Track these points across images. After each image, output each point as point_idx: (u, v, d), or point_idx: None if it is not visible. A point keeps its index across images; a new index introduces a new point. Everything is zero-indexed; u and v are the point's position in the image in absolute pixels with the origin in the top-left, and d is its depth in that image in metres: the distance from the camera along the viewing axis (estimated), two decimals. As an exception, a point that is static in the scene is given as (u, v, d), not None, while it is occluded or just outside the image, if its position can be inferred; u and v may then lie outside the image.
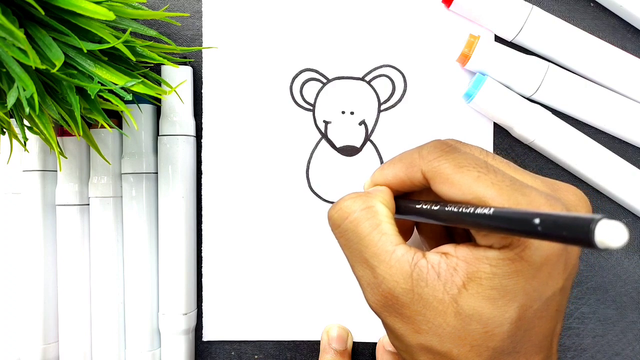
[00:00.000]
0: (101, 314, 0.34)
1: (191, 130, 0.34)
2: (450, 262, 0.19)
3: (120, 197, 0.34)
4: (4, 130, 0.28)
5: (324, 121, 0.35)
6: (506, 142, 0.35)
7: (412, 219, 0.22)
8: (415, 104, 0.35)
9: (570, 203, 0.20)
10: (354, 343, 0.35)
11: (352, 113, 0.35)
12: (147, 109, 0.34)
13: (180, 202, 0.33)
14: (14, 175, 0.34)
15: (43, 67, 0.22)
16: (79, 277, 0.34)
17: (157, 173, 0.34)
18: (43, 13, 0.22)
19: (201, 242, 0.35)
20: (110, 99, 0.26)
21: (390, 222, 0.21)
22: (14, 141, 0.28)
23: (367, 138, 0.35)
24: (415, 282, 0.19)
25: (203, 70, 0.35)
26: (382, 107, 0.35)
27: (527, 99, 0.34)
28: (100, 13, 0.22)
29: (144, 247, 0.34)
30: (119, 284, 0.34)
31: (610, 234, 0.13)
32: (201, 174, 0.35)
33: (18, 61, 0.22)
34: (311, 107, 0.35)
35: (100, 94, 0.25)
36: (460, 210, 0.19)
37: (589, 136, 0.34)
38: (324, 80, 0.35)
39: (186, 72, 0.34)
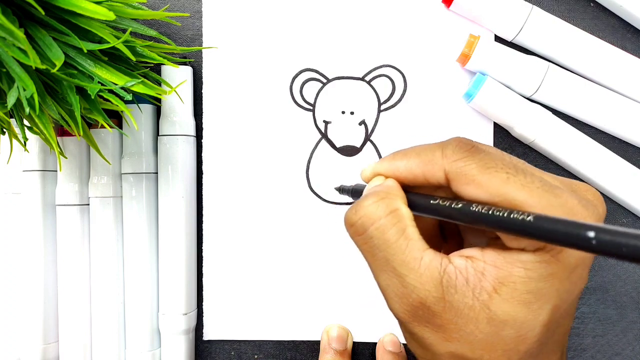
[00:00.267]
0: (101, 314, 0.34)
1: (191, 130, 0.34)
2: (478, 266, 0.19)
3: (120, 197, 0.34)
4: (4, 130, 0.28)
5: (324, 121, 0.35)
6: (506, 142, 0.35)
7: (423, 215, 0.21)
8: (415, 104, 0.35)
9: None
10: (354, 343, 0.35)
11: (352, 113, 0.35)
12: (147, 109, 0.34)
13: (180, 202, 0.33)
14: (14, 175, 0.34)
15: (43, 67, 0.22)
16: (79, 277, 0.34)
17: (157, 173, 0.34)
18: (43, 13, 0.22)
19: (201, 242, 0.35)
20: (110, 99, 0.26)
21: (414, 224, 0.20)
22: (14, 141, 0.28)
23: (367, 138, 0.35)
24: (446, 289, 0.19)
25: (203, 70, 0.35)
26: (382, 107, 0.35)
27: (527, 99, 0.34)
28: (100, 13, 0.22)
29: (144, 247, 0.34)
30: (119, 284, 0.34)
31: None
32: (201, 174, 0.35)
33: (18, 61, 0.22)
34: (311, 107, 0.35)
35: (100, 94, 0.25)
36: (491, 212, 0.18)
37: (589, 136, 0.34)
38: (324, 80, 0.35)
39: (186, 72, 0.34)
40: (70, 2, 0.22)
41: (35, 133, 0.27)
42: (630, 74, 0.33)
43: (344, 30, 0.35)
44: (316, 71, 0.35)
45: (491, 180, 0.18)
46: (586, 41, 0.33)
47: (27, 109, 0.23)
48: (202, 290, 0.35)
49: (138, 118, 0.34)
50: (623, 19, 0.35)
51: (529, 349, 0.19)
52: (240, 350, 0.36)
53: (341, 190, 0.29)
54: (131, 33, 0.26)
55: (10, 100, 0.23)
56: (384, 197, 0.21)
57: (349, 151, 0.35)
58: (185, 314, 0.34)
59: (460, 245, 0.25)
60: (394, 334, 0.35)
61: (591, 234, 0.14)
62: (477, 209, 0.18)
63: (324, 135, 0.35)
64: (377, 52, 0.35)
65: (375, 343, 0.35)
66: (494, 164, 0.19)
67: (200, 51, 0.35)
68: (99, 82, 0.25)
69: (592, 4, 0.35)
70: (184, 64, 0.35)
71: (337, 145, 0.35)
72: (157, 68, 0.35)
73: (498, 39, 0.34)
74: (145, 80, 0.26)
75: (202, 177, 0.35)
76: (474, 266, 0.19)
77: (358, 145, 0.35)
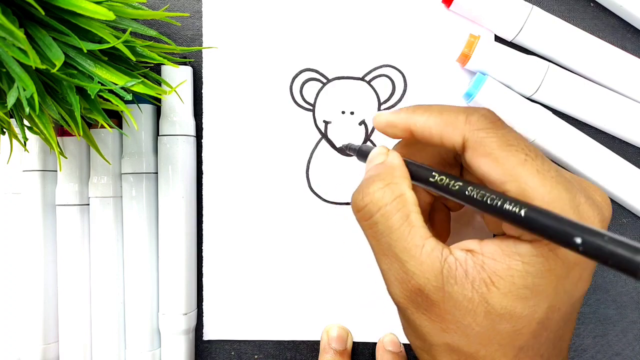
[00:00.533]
0: (101, 314, 0.34)
1: (191, 130, 0.34)
2: (477, 259, 0.19)
3: (120, 197, 0.34)
4: (4, 130, 0.28)
5: (324, 121, 0.35)
6: (506, 142, 0.35)
7: (420, 186, 0.21)
8: (415, 104, 0.35)
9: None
10: (354, 343, 0.35)
11: (352, 113, 0.35)
12: (147, 109, 0.34)
13: (180, 202, 0.33)
14: (14, 175, 0.34)
15: (43, 67, 0.22)
16: (79, 277, 0.34)
17: (157, 173, 0.34)
18: (43, 13, 0.22)
19: (201, 242, 0.35)
20: (110, 99, 0.26)
21: (418, 210, 0.20)
22: (14, 141, 0.28)
23: (367, 138, 0.35)
24: (446, 279, 0.19)
25: (203, 70, 0.35)
26: (382, 107, 0.35)
27: (527, 98, 0.34)
28: (100, 13, 0.22)
29: (144, 247, 0.34)
30: (119, 284, 0.34)
31: None
32: (201, 174, 0.35)
33: (18, 61, 0.22)
34: (311, 107, 0.35)
35: (100, 94, 0.25)
36: (485, 200, 0.18)
37: (589, 136, 0.34)
38: (324, 80, 0.35)
39: (186, 72, 0.34)
40: (70, 2, 0.22)
41: (35, 133, 0.27)
42: (630, 74, 0.33)
43: (344, 30, 0.35)
44: (316, 71, 0.35)
45: (509, 158, 0.18)
46: (586, 41, 0.33)
47: (27, 109, 0.23)
48: (202, 290, 0.35)
49: (138, 118, 0.34)
50: (623, 19, 0.35)
51: (524, 344, 0.19)
52: (240, 350, 0.36)
53: (347, 148, 0.29)
54: (131, 33, 0.26)
55: (10, 100, 0.23)
56: (390, 183, 0.21)
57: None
58: (185, 314, 0.34)
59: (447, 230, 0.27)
60: (394, 334, 0.35)
61: (578, 240, 0.14)
62: (472, 194, 0.18)
63: (324, 135, 0.35)
64: (377, 52, 0.35)
65: (375, 343, 0.35)
66: (516, 142, 0.18)
67: (200, 51, 0.35)
68: (99, 82, 0.25)
69: (592, 4, 0.35)
70: (184, 64, 0.35)
71: (337, 145, 0.35)
72: (157, 68, 0.35)
73: (498, 39, 0.34)
74: (145, 80, 0.26)
75: (202, 177, 0.35)
76: (474, 259, 0.19)
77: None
